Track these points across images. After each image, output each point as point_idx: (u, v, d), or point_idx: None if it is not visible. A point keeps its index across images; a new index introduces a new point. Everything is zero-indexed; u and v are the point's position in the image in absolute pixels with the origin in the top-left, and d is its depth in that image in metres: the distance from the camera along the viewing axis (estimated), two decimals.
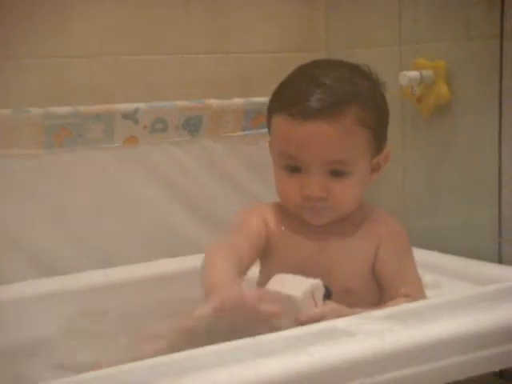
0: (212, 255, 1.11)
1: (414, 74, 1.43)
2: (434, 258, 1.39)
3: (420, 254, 1.36)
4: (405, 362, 0.89)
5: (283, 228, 1.20)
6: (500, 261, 1.37)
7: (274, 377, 0.82)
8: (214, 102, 1.59)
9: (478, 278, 1.26)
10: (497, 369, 0.95)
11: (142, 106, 1.52)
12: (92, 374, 0.85)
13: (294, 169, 1.14)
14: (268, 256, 1.19)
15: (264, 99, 1.60)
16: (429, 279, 1.27)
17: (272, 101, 1.19)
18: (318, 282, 1.03)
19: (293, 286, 1.01)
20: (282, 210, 1.21)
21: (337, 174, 1.13)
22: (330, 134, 1.10)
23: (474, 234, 1.42)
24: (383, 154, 1.18)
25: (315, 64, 1.20)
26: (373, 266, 1.19)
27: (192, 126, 1.58)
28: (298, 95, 1.12)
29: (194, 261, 1.46)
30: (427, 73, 1.43)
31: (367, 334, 0.92)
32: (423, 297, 1.17)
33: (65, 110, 1.44)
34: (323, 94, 1.11)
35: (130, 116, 1.51)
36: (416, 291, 1.17)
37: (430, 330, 0.93)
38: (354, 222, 1.20)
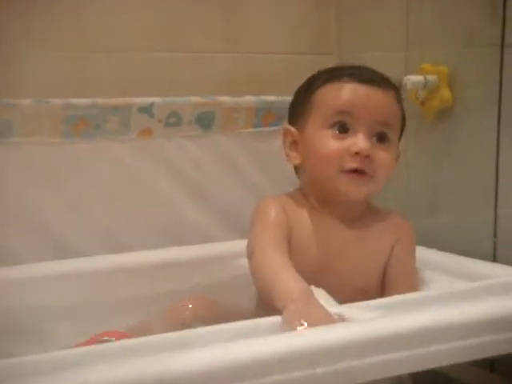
0: (271, 259, 1.11)
1: (418, 78, 1.47)
2: (431, 255, 1.43)
3: (418, 251, 1.42)
4: (392, 346, 0.93)
5: (304, 220, 1.21)
6: (494, 260, 1.40)
7: (269, 354, 0.86)
8: (226, 98, 1.63)
9: (473, 275, 1.29)
10: (477, 358, 1.00)
11: (157, 100, 1.56)
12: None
13: (342, 127, 1.17)
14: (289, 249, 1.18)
15: (274, 98, 1.68)
16: (426, 275, 1.32)
17: (316, 79, 1.24)
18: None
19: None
20: (301, 201, 1.23)
21: (381, 138, 1.18)
22: (383, 97, 1.19)
23: (470, 234, 1.46)
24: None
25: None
26: (386, 265, 1.24)
27: (205, 121, 1.63)
28: (347, 71, 1.22)
29: (201, 250, 1.55)
30: (431, 77, 1.47)
31: (357, 320, 0.98)
32: None
33: (83, 101, 1.49)
34: (371, 72, 1.22)
35: (146, 109, 1.55)
36: None
37: (418, 318, 0.98)
38: (371, 218, 1.24)
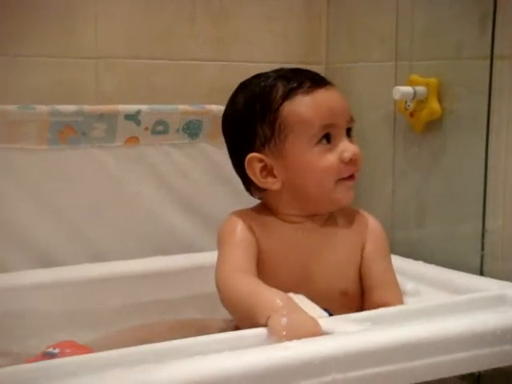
0: (239, 284, 1.07)
1: (407, 89, 1.47)
2: (418, 267, 1.42)
3: (404, 263, 1.42)
4: (377, 360, 0.93)
5: (275, 232, 1.20)
6: (481, 273, 1.40)
7: (254, 367, 0.86)
8: (214, 107, 1.63)
9: (459, 288, 1.29)
10: (463, 372, 0.99)
11: (144, 107, 1.56)
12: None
13: (328, 138, 1.16)
14: (260, 264, 1.17)
15: None
16: (410, 287, 1.31)
17: (270, 96, 1.18)
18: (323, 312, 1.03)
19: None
20: (269, 214, 1.21)
21: (349, 132, 1.19)
22: (340, 95, 1.20)
23: (457, 247, 1.46)
24: None
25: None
26: (360, 265, 1.22)
27: (192, 129, 1.62)
28: (299, 78, 1.18)
29: (187, 260, 1.54)
30: (420, 89, 1.47)
31: (343, 333, 0.97)
32: (402, 301, 1.21)
33: (69, 108, 1.48)
34: (314, 73, 1.21)
35: (133, 117, 1.55)
36: (396, 297, 1.21)
37: (404, 332, 0.97)
38: (339, 220, 1.23)
